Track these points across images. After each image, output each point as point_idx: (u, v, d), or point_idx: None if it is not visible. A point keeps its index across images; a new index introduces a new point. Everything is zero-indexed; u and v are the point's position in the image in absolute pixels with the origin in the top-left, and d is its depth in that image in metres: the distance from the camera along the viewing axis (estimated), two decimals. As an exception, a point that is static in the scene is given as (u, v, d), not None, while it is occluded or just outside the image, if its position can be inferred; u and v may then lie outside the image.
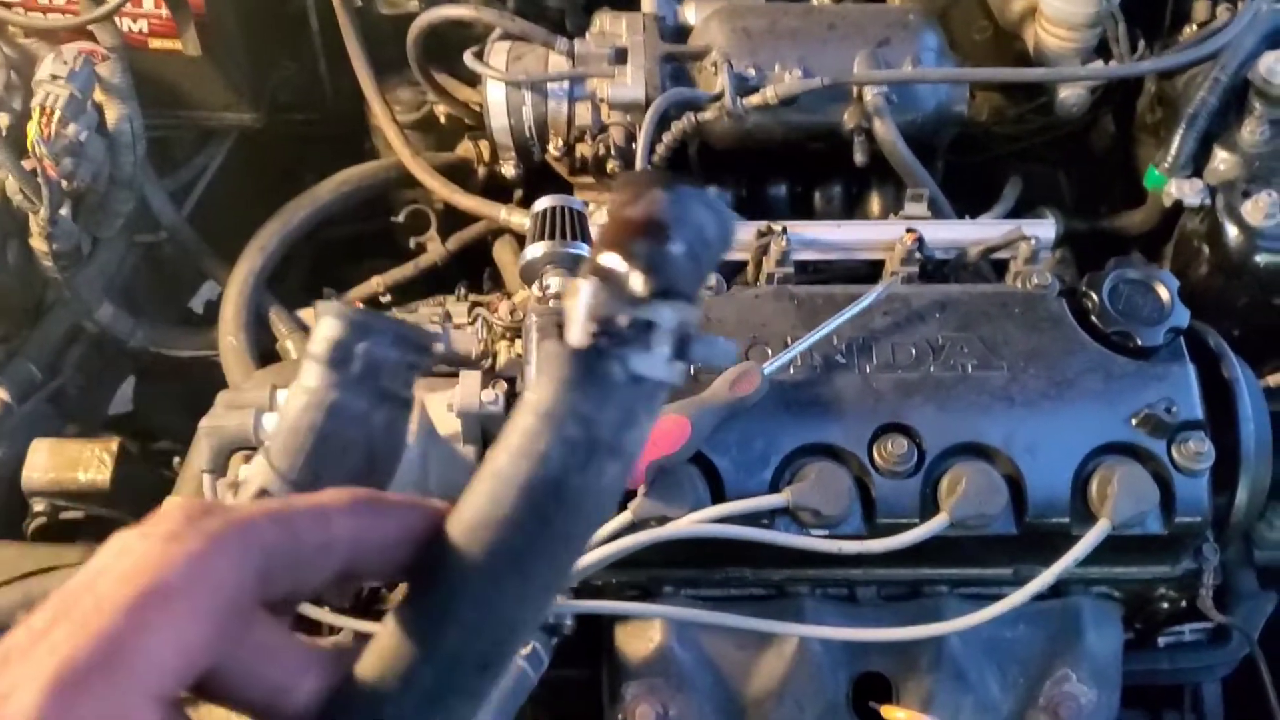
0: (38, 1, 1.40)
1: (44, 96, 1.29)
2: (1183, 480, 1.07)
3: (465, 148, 1.61)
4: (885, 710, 1.10)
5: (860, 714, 1.12)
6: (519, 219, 1.44)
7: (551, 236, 1.16)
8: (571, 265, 1.15)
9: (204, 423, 1.14)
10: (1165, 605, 1.18)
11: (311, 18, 1.62)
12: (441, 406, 1.14)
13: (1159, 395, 1.08)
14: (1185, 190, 1.30)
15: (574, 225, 1.17)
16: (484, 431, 1.14)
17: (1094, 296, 1.12)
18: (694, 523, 1.01)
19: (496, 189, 1.55)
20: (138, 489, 1.36)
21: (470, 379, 1.12)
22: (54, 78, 1.30)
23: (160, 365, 1.53)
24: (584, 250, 1.16)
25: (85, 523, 1.37)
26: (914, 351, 1.10)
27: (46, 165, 1.26)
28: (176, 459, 1.41)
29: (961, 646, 1.09)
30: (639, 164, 1.29)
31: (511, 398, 1.13)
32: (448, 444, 1.13)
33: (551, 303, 1.12)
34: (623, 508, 1.03)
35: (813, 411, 1.07)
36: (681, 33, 1.48)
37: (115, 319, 1.44)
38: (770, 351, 1.08)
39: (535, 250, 1.16)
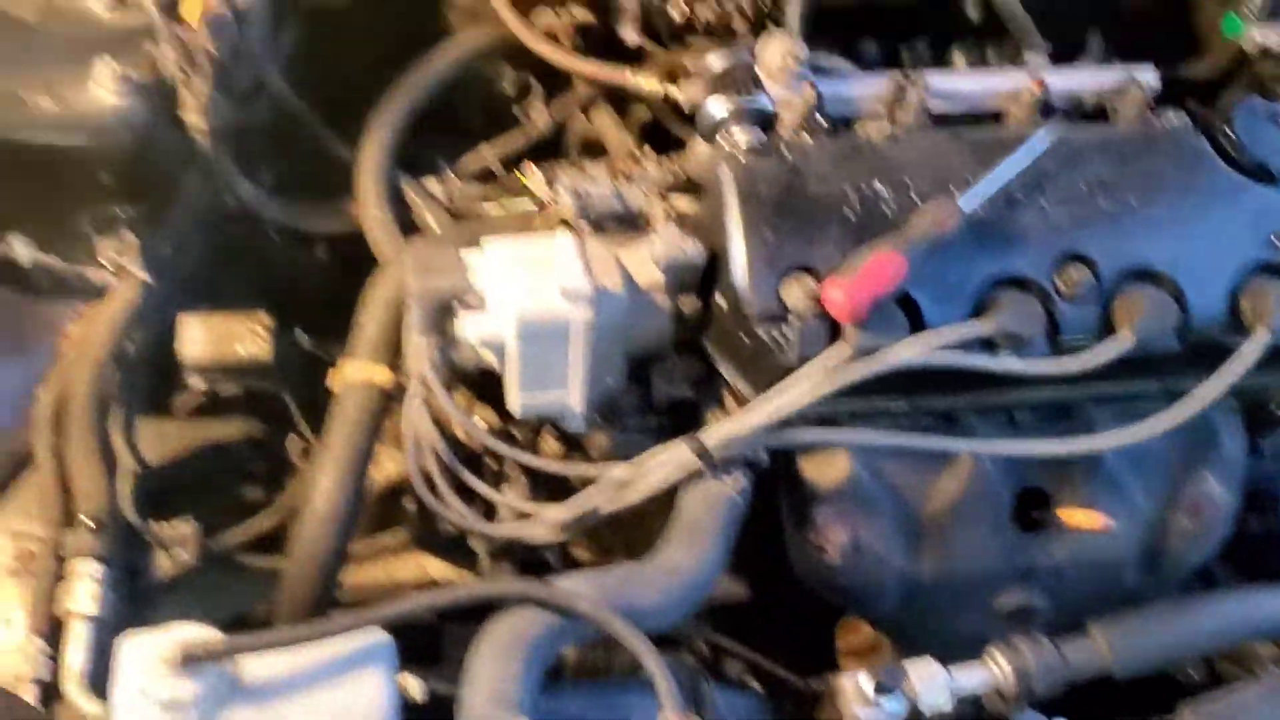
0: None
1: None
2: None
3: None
4: (1063, 513, 1.22)
5: (1021, 524, 1.24)
6: (648, 83, 1.45)
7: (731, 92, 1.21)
8: (755, 119, 1.21)
9: (414, 286, 1.16)
10: (1276, 409, 1.32)
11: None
12: (639, 259, 1.19)
13: (1296, 216, 1.20)
14: (1271, 37, 1.40)
15: (750, 79, 1.23)
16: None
17: (1228, 132, 1.24)
18: (917, 352, 1.10)
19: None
20: (290, 363, 1.38)
21: (670, 230, 1.18)
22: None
23: (293, 240, 1.52)
24: (765, 103, 1.22)
25: (241, 399, 1.39)
26: (1083, 186, 1.19)
27: (205, 40, 1.26)
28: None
29: (1114, 458, 1.20)
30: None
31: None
32: (648, 295, 1.19)
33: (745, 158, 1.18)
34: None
35: (998, 243, 1.16)
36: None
37: (255, 195, 1.43)
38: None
39: (717, 106, 1.21)
